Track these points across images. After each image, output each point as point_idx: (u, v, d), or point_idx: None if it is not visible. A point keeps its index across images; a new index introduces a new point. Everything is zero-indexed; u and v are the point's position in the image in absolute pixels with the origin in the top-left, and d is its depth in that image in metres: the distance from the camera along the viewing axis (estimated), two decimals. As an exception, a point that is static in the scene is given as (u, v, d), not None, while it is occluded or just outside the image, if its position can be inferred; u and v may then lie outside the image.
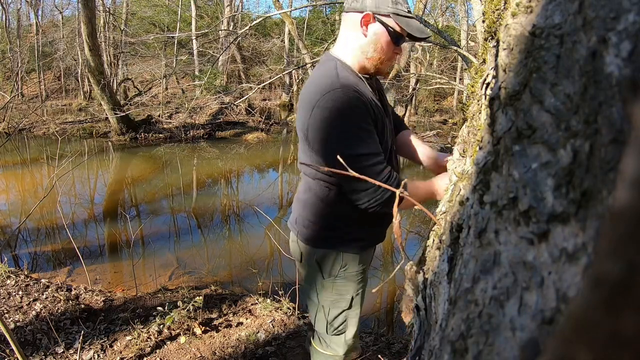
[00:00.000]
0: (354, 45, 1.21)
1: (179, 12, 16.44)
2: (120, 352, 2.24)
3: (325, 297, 1.39)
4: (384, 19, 1.16)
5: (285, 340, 2.42)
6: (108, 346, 2.30)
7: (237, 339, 2.39)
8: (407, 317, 0.74)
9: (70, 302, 2.75)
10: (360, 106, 1.13)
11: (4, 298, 2.75)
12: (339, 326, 1.42)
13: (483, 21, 0.65)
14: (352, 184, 1.17)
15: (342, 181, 1.19)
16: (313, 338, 1.56)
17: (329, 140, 1.14)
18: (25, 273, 3.25)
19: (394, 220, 0.72)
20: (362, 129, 1.13)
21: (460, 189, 0.59)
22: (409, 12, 1.18)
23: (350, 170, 0.70)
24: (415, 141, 1.47)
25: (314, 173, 1.29)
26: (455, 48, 3.34)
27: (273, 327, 2.53)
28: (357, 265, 1.37)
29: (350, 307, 1.40)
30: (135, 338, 2.31)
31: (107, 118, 10.23)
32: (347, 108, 1.11)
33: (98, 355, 2.21)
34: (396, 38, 1.18)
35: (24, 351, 1.94)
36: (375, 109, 1.19)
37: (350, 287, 1.38)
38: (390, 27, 1.16)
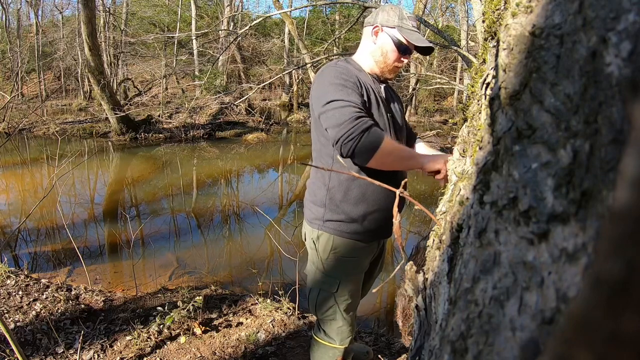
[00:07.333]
0: (366, 51, 1.48)
1: (179, 12, 16.44)
2: (120, 352, 2.23)
3: (316, 276, 1.51)
4: (390, 30, 1.41)
5: (285, 340, 2.42)
6: (108, 346, 2.30)
7: (237, 339, 2.39)
8: (402, 323, 0.74)
9: (70, 302, 2.75)
10: (349, 74, 1.33)
11: (4, 298, 2.74)
12: (327, 310, 1.52)
13: (483, 21, 0.65)
14: (329, 120, 1.26)
15: (323, 123, 1.29)
16: (314, 328, 1.66)
17: (320, 94, 1.31)
18: (25, 273, 3.24)
19: (394, 220, 0.72)
20: (346, 86, 1.29)
21: (460, 189, 0.59)
22: (415, 28, 1.41)
23: (343, 162, 0.69)
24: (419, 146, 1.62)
25: (317, 151, 1.46)
26: (455, 48, 3.34)
27: (273, 327, 2.53)
28: (349, 251, 1.46)
29: (336, 290, 1.48)
30: (135, 338, 2.31)
31: (107, 118, 10.23)
32: (335, 71, 1.34)
33: (98, 355, 2.21)
34: (400, 46, 1.41)
35: (24, 351, 1.94)
36: (374, 93, 1.39)
37: (338, 271, 1.47)
38: (395, 37, 1.40)
